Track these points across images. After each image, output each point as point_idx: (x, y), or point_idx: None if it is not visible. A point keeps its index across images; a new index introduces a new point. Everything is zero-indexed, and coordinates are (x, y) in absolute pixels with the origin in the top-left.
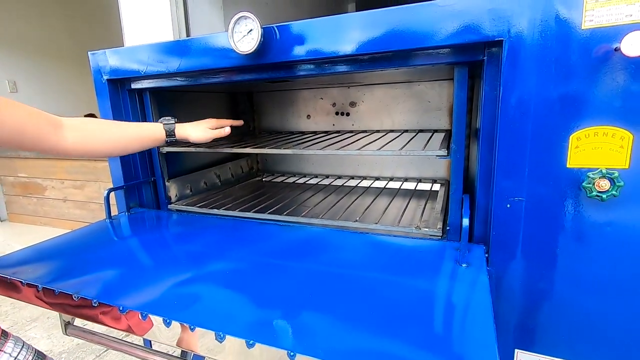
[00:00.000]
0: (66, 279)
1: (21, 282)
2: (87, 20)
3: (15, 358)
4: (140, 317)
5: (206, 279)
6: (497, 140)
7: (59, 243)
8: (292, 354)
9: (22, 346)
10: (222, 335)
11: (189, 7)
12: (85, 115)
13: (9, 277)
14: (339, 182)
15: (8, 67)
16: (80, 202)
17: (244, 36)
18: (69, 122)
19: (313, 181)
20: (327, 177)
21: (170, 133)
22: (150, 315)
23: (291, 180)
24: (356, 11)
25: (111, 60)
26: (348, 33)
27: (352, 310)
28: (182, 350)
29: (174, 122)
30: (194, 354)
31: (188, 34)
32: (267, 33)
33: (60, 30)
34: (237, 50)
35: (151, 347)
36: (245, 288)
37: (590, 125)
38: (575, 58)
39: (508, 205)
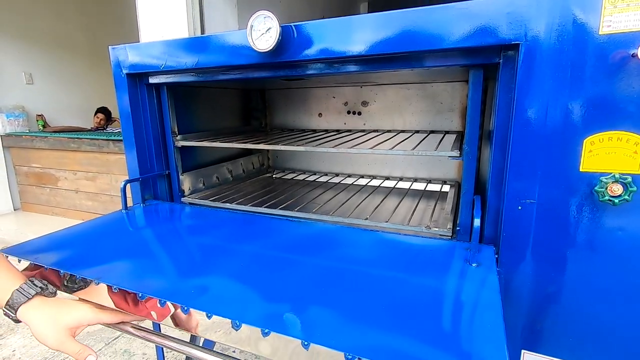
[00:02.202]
0: (86, 265)
1: (44, 266)
2: (101, 16)
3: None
4: (158, 304)
5: (220, 270)
6: (510, 143)
7: (78, 231)
8: (306, 343)
9: None
10: (238, 324)
11: (204, 3)
12: (98, 109)
13: (31, 261)
14: (349, 181)
15: (25, 60)
16: (92, 193)
17: (262, 34)
18: None
19: (323, 179)
20: (337, 175)
21: (14, 303)
22: (168, 302)
23: (301, 177)
24: (369, 11)
25: (131, 55)
26: (364, 34)
27: (362, 305)
28: (191, 335)
29: (32, 295)
30: (205, 339)
31: (203, 31)
32: (285, 32)
33: (74, 25)
34: (255, 48)
35: (160, 330)
36: (258, 280)
37: (605, 130)
38: (591, 63)
39: (519, 207)
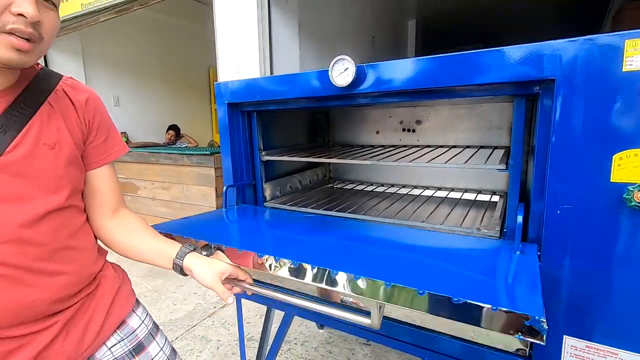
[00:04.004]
0: (212, 239)
1: (190, 238)
2: (173, 44)
3: (143, 321)
4: (274, 260)
5: (304, 247)
6: (550, 158)
7: (197, 219)
8: (388, 284)
9: (147, 315)
10: (335, 272)
11: (273, 39)
12: (169, 127)
13: (173, 234)
14: (403, 191)
15: (113, 85)
16: (166, 201)
17: (341, 73)
18: (120, 220)
19: (380, 189)
20: (392, 185)
21: (180, 256)
22: (282, 259)
23: (360, 187)
24: (417, 29)
25: (230, 89)
26: (422, 72)
27: (423, 274)
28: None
29: (190, 250)
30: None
31: (271, 65)
32: (358, 70)
33: (151, 52)
34: (334, 83)
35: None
36: (331, 254)
37: (631, 148)
38: (616, 94)
39: (558, 212)
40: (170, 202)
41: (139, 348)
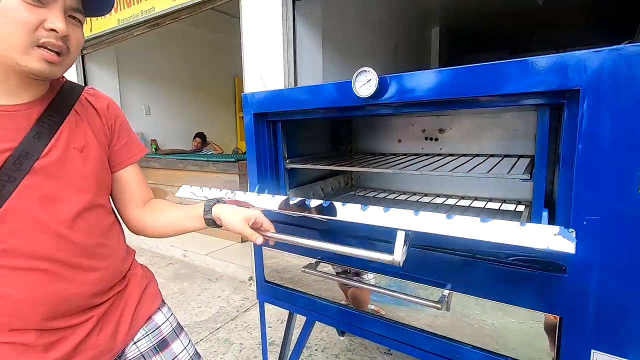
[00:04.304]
0: None
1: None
2: (202, 54)
3: (167, 319)
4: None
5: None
6: (576, 168)
7: None
8: (416, 211)
9: (172, 314)
10: (365, 207)
11: (297, 53)
12: (196, 134)
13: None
14: (425, 199)
15: (145, 95)
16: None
17: (364, 84)
18: (149, 207)
19: (402, 197)
20: (415, 194)
21: (207, 210)
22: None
23: (382, 196)
24: (440, 37)
25: (257, 99)
26: (445, 83)
27: None
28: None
29: (214, 202)
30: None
31: (295, 75)
32: (381, 81)
33: (180, 63)
34: (358, 95)
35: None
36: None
37: None
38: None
39: (585, 222)
40: None
41: (163, 344)
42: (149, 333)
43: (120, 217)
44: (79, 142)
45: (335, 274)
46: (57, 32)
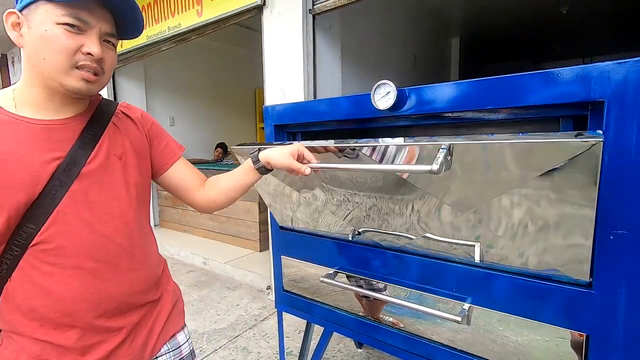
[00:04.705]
0: None
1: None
2: (224, 70)
3: (187, 340)
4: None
5: None
6: (602, 180)
7: None
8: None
9: (190, 337)
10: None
11: (317, 65)
12: (217, 144)
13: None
14: None
15: (169, 106)
16: (213, 215)
17: (382, 97)
18: (207, 184)
19: None
20: None
21: (255, 160)
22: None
23: None
24: (460, 47)
25: (277, 111)
26: (464, 95)
27: None
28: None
29: (256, 151)
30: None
31: (315, 86)
32: (400, 94)
33: (202, 74)
34: (376, 107)
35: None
36: None
37: None
38: None
39: (611, 237)
40: (216, 216)
41: None
42: (170, 350)
43: (188, 204)
44: (118, 150)
45: (354, 285)
46: (93, 56)
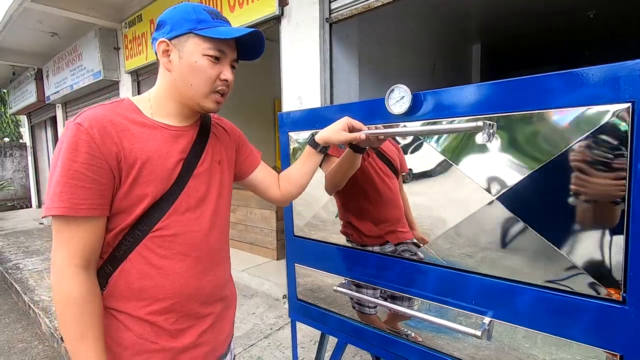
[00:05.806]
0: None
1: None
2: (245, 81)
3: (231, 350)
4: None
5: None
6: (633, 185)
7: None
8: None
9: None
10: None
11: (334, 73)
12: None
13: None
14: None
15: None
16: (232, 223)
17: (397, 101)
18: (281, 180)
19: None
20: None
21: (314, 144)
22: None
23: None
24: (482, 53)
25: (292, 118)
26: (482, 98)
27: None
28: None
29: (313, 136)
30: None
31: (332, 94)
32: (415, 98)
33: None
34: (391, 112)
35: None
36: None
37: None
38: None
39: None
40: (236, 224)
41: None
42: (228, 352)
43: (268, 199)
44: (218, 157)
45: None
46: (227, 81)
